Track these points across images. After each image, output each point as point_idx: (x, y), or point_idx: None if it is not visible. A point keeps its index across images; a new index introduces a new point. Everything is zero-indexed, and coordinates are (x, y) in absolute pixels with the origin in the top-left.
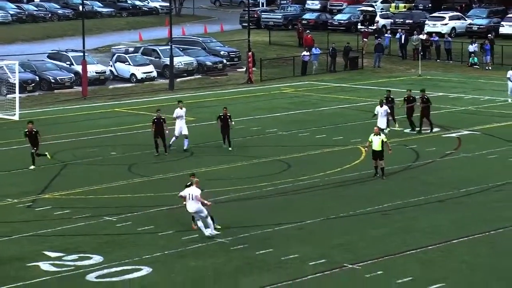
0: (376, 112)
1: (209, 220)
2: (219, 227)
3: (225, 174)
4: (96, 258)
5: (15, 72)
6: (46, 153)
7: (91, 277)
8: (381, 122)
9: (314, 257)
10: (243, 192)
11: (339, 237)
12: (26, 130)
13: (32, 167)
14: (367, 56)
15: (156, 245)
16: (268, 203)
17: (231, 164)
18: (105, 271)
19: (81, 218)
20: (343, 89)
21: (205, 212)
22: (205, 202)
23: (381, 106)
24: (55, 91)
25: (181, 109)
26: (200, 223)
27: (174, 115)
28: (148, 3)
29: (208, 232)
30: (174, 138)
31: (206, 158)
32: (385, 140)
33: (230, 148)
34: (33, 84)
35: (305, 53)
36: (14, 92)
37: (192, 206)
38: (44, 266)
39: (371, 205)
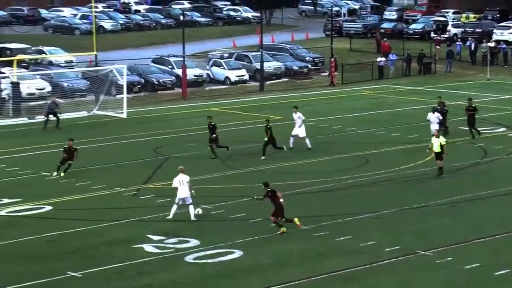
0: (428, 119)
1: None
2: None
3: (308, 168)
4: (194, 242)
5: (123, 75)
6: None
7: (189, 258)
8: (434, 128)
9: (389, 243)
10: (325, 185)
11: (412, 226)
12: (66, 146)
13: (55, 173)
14: (439, 62)
15: (247, 230)
16: (347, 194)
17: (314, 159)
18: (202, 253)
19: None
20: (417, 92)
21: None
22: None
23: (433, 113)
24: (158, 92)
25: (295, 113)
26: (191, 208)
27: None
28: (241, 14)
29: (193, 216)
30: (291, 138)
31: (291, 153)
32: (443, 143)
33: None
34: (139, 86)
35: (380, 59)
36: (122, 93)
37: (183, 191)
38: (148, 248)
39: (441, 197)
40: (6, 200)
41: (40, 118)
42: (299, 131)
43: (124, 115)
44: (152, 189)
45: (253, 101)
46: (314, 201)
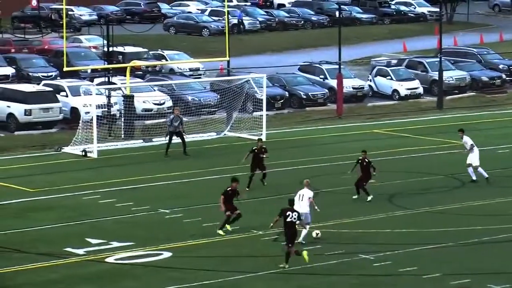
0: None
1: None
2: None
3: (501, 208)
4: None
5: (262, 87)
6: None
7: None
8: None
9: None
10: None
11: None
12: (228, 188)
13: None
14: None
15: None
16: None
17: (509, 198)
18: None
19: (333, 255)
20: None
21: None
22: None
23: None
24: (307, 108)
25: (462, 138)
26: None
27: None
28: (414, 8)
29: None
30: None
31: (479, 190)
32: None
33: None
34: (282, 101)
35: None
36: (261, 109)
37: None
38: None
39: None
40: (115, 244)
41: (159, 140)
42: (472, 158)
43: (263, 137)
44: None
45: (429, 122)
46: (507, 253)
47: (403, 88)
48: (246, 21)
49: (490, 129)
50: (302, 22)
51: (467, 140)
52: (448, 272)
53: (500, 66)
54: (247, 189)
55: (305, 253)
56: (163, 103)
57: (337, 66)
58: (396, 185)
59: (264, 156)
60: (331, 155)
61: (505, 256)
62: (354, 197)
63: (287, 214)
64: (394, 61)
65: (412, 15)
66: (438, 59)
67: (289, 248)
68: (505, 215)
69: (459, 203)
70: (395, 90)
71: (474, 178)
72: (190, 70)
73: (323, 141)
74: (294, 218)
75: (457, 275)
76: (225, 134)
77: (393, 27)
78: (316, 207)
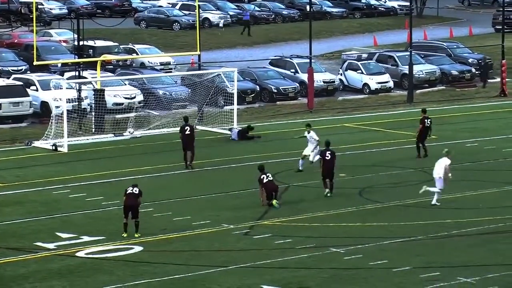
0: None
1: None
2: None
3: (470, 202)
4: None
5: (233, 81)
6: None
7: None
8: None
9: None
10: (491, 225)
11: None
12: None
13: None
14: None
15: (391, 282)
16: None
17: (478, 191)
18: None
19: (304, 248)
20: None
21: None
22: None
23: None
24: (277, 102)
25: (308, 133)
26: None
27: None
28: (385, 2)
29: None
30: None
31: (449, 183)
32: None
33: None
34: (252, 95)
35: None
36: (232, 103)
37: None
38: None
39: None
40: (86, 238)
41: (130, 134)
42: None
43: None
44: (268, 226)
45: (399, 115)
46: (476, 246)
47: (373, 82)
48: (216, 15)
49: (459, 123)
50: (273, 16)
51: (314, 136)
52: (418, 265)
53: (470, 60)
54: None
55: (274, 201)
56: (134, 97)
57: (308, 60)
58: (366, 179)
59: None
60: (302, 149)
61: (474, 249)
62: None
63: (262, 177)
64: (364, 55)
65: (382, 9)
66: (408, 53)
67: (268, 203)
68: (474, 208)
69: (429, 196)
70: (365, 84)
71: (301, 168)
72: (161, 64)
73: (293, 135)
74: (269, 177)
75: (427, 268)
76: (196, 128)
77: (364, 21)
78: (450, 174)
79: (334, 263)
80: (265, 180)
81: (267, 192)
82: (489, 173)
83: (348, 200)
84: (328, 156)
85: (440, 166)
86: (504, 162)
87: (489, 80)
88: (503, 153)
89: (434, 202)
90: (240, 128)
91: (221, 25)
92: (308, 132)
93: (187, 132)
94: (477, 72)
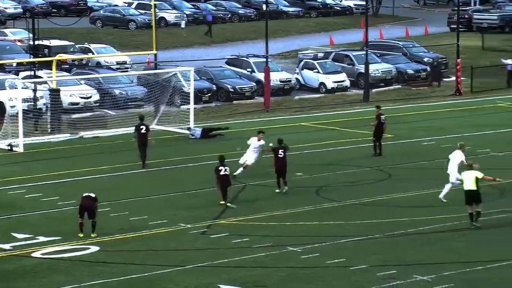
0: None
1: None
2: None
3: (424, 200)
4: None
5: (189, 80)
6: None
7: None
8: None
9: None
10: (446, 223)
11: None
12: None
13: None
14: None
15: (348, 280)
16: (478, 235)
17: (434, 189)
18: None
19: (261, 247)
20: None
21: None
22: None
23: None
24: (234, 102)
25: (259, 140)
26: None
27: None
28: (340, 2)
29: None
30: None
31: (403, 182)
32: (480, 176)
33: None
34: (209, 94)
35: (508, 61)
36: (189, 103)
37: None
38: None
39: None
40: (42, 239)
41: (86, 134)
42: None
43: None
44: (225, 226)
45: (356, 114)
46: (432, 244)
47: (329, 81)
48: (173, 14)
49: (415, 122)
50: (230, 15)
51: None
52: (375, 264)
53: (425, 59)
54: None
55: (229, 204)
56: (90, 97)
57: (264, 60)
58: (323, 178)
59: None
60: None
61: (430, 247)
62: (276, 190)
63: (220, 169)
64: (320, 54)
65: (338, 8)
66: (364, 52)
67: (225, 199)
68: (430, 207)
69: (385, 195)
70: (322, 83)
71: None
72: (117, 63)
73: (251, 134)
74: (226, 171)
75: (383, 266)
76: (152, 128)
77: (320, 20)
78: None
79: (291, 262)
80: (221, 173)
81: (221, 185)
82: (445, 171)
83: (305, 199)
84: (281, 154)
85: (453, 161)
86: None
87: (444, 79)
88: None
89: (442, 195)
90: (203, 127)
91: (183, 26)
92: (259, 140)
93: (142, 131)
94: (429, 72)
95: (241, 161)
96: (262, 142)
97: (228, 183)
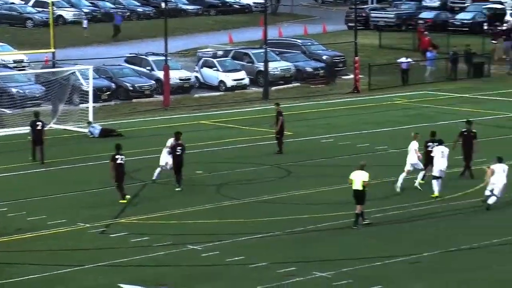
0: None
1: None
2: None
3: (325, 197)
4: None
5: (88, 79)
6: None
7: None
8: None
9: None
10: (345, 219)
11: (459, 273)
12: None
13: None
14: (500, 61)
15: (248, 278)
16: (376, 232)
17: (333, 186)
18: None
19: (161, 246)
20: (466, 101)
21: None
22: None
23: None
24: (133, 100)
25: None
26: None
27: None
28: (240, 0)
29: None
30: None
31: (303, 179)
32: (367, 179)
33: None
34: (108, 92)
35: (402, 59)
36: (87, 101)
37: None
38: None
39: (498, 236)
40: None
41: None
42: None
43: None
44: (125, 225)
45: (255, 112)
46: (333, 240)
47: (229, 79)
48: (71, 12)
49: (314, 119)
50: (128, 13)
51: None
52: (275, 261)
53: (324, 57)
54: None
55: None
56: None
57: (163, 58)
58: (223, 176)
59: None
60: (157, 147)
61: (329, 243)
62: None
63: (116, 157)
64: (220, 52)
65: (237, 6)
66: (263, 50)
67: (121, 189)
68: (329, 204)
69: (285, 192)
70: (221, 81)
71: (155, 178)
72: (14, 62)
73: (150, 133)
74: (122, 160)
75: (283, 263)
76: (50, 127)
77: (219, 18)
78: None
79: (191, 260)
80: (118, 161)
81: (116, 175)
82: (344, 168)
83: (205, 197)
84: (178, 151)
85: (411, 152)
86: (358, 158)
87: (342, 77)
88: (358, 149)
89: (416, 184)
90: (102, 126)
91: (85, 25)
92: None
93: (38, 128)
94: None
95: (161, 163)
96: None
97: (123, 173)
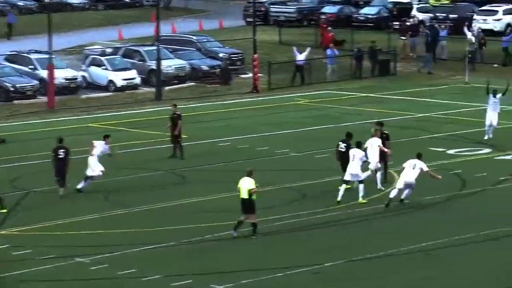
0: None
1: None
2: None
3: (221, 204)
4: None
5: None
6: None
7: None
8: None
9: None
10: (243, 228)
11: (366, 283)
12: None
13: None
14: (406, 58)
15: None
16: (276, 241)
17: (229, 193)
18: None
19: (46, 259)
20: (371, 100)
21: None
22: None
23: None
24: (14, 101)
25: (107, 144)
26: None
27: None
28: None
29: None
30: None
31: (199, 185)
32: (253, 187)
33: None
34: None
35: (298, 56)
36: None
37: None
38: None
39: (407, 243)
40: None
41: None
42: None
43: None
44: (6, 236)
45: (147, 114)
46: (230, 251)
47: (119, 78)
48: None
49: (211, 121)
50: (9, 7)
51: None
52: (169, 273)
53: (221, 55)
54: None
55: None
56: None
57: (47, 56)
58: (112, 183)
59: None
60: (41, 152)
61: (228, 255)
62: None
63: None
64: (109, 50)
65: (127, 0)
66: (155, 48)
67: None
68: (227, 211)
69: (180, 199)
70: (111, 81)
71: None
72: None
73: (33, 137)
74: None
75: (178, 276)
76: None
77: (108, 13)
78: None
79: (79, 274)
80: (59, 156)
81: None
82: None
83: (93, 205)
84: (60, 155)
85: (373, 148)
86: (258, 162)
87: (241, 75)
88: (257, 152)
89: (379, 186)
90: None
91: None
92: (107, 144)
93: None
94: (229, 67)
95: (89, 173)
96: (108, 146)
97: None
